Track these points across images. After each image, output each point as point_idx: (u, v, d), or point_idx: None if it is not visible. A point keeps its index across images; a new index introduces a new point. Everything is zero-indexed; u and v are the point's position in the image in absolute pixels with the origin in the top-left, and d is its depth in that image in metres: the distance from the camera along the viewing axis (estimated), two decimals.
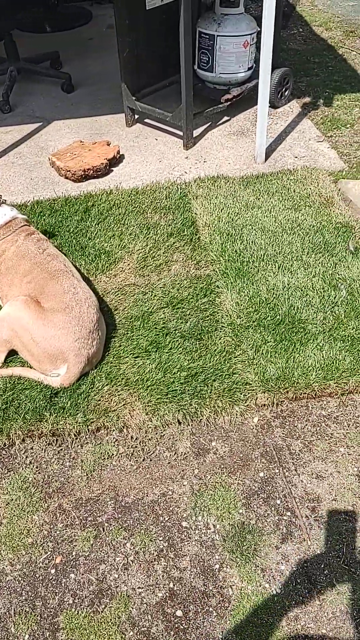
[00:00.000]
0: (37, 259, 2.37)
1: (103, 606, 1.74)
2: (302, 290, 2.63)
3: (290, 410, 2.25)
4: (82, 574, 1.82)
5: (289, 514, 1.94)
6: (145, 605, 1.74)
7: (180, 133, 3.76)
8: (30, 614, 1.73)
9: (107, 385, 2.27)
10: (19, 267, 2.37)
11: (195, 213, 3.13)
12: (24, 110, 4.23)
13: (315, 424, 2.20)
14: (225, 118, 4.03)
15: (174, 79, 4.02)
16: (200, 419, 2.21)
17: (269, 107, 3.46)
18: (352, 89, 4.33)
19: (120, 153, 3.65)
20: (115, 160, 3.58)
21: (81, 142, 3.70)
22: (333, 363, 2.30)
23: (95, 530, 1.92)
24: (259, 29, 3.59)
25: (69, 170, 3.42)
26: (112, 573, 1.82)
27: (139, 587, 1.78)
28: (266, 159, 3.58)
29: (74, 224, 3.08)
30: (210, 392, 2.25)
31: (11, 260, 2.39)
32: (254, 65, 3.96)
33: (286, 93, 4.13)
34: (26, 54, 4.50)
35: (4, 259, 2.41)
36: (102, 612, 1.73)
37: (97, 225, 3.06)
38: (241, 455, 2.12)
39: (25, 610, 1.74)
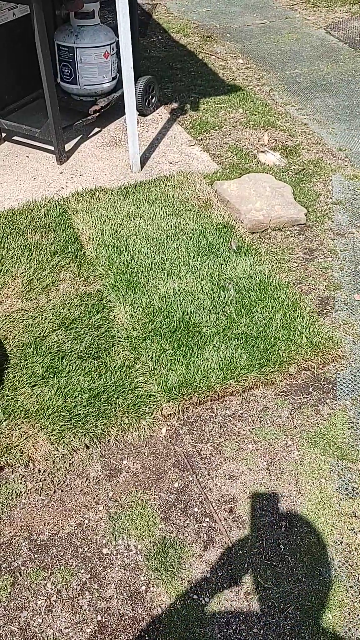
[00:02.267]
0: None
1: None
2: (192, 294, 2.66)
3: (196, 415, 2.26)
4: (2, 627, 1.70)
5: (207, 519, 1.95)
6: None
7: (52, 148, 3.67)
8: None
9: (5, 420, 2.15)
10: None
11: (77, 228, 3.06)
12: None
13: (222, 424, 2.22)
14: (97, 129, 4.00)
15: (38, 94, 3.92)
16: (109, 439, 2.16)
17: (138, 115, 3.48)
18: (215, 92, 4.47)
19: None
20: None
21: None
22: (231, 362, 2.35)
23: (11, 576, 1.81)
24: (117, 39, 3.59)
25: None
26: (35, 618, 1.72)
27: (65, 628, 1.70)
28: (142, 167, 3.59)
29: None
30: (115, 410, 2.20)
31: None
32: (118, 75, 3.96)
33: (153, 100, 4.17)
34: None
35: None
36: None
37: None
38: (154, 469, 2.09)
39: None
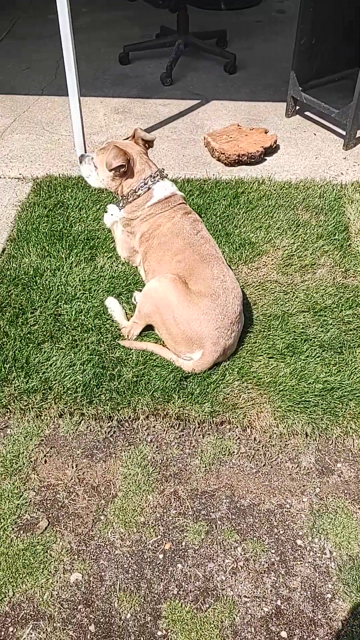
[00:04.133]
0: (191, 239, 2.33)
1: (207, 606, 1.70)
2: None
3: None
4: (190, 567, 1.78)
5: None
6: (249, 616, 1.68)
7: (343, 132, 3.58)
8: (135, 593, 1.72)
9: (237, 380, 2.21)
10: (172, 244, 2.34)
11: (348, 218, 2.97)
12: (185, 85, 4.20)
13: None
14: None
15: (344, 74, 3.83)
16: (329, 437, 2.10)
17: None
18: None
19: (277, 143, 3.53)
20: (271, 150, 3.47)
21: (238, 125, 3.62)
22: None
23: (207, 525, 1.88)
24: None
25: (223, 153, 3.36)
26: (219, 574, 1.77)
27: (245, 596, 1.72)
28: None
29: (221, 208, 3.02)
30: (344, 412, 2.12)
31: (165, 236, 2.37)
32: None
33: None
34: (194, 29, 4.46)
35: (157, 234, 2.39)
36: (205, 611, 1.69)
37: (244, 214, 2.99)
38: None
39: (130, 589, 1.73)
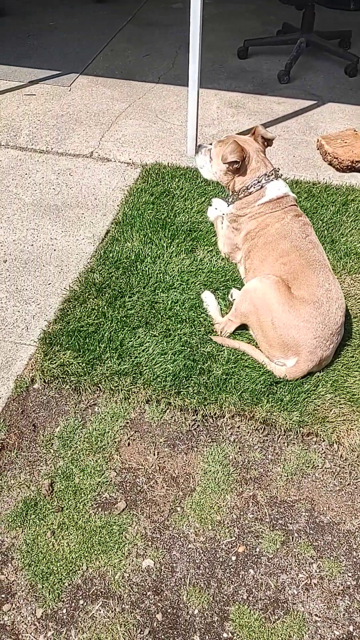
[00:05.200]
0: (298, 242, 2.28)
1: (276, 617, 1.67)
2: None
3: None
4: (262, 575, 1.75)
5: None
6: (319, 636, 1.63)
7: None
8: (204, 590, 1.72)
9: (330, 393, 2.14)
10: (278, 245, 2.30)
11: None
12: (302, 84, 4.11)
13: None
14: None
15: None
16: None
17: None
18: None
19: None
20: None
21: (355, 131, 3.50)
22: None
23: (284, 535, 1.84)
24: None
25: (336, 158, 3.26)
26: (291, 587, 1.73)
27: (316, 615, 1.68)
28: None
29: (329, 214, 2.93)
30: None
31: (272, 236, 2.33)
32: None
33: None
34: (318, 27, 4.35)
35: (264, 233, 2.36)
36: (274, 622, 1.65)
37: (353, 222, 2.89)
38: None
39: (200, 585, 1.73)
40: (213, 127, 3.64)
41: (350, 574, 1.76)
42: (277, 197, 2.38)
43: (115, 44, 4.58)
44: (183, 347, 2.28)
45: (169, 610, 1.68)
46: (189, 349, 2.28)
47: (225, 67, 4.29)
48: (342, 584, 1.74)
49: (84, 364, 2.20)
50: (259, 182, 2.38)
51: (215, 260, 2.67)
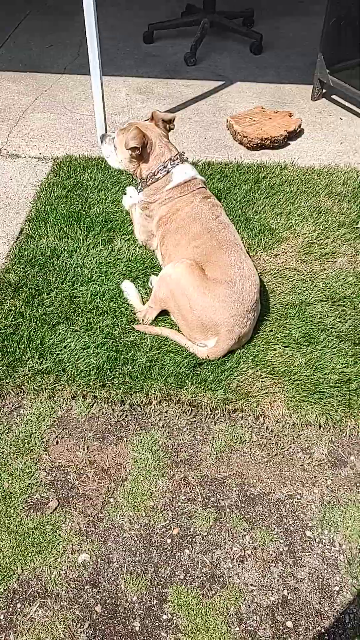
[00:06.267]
0: (209, 224, 2.30)
1: (213, 592, 1.70)
2: None
3: None
4: (197, 553, 1.79)
5: None
6: (255, 604, 1.69)
7: None
8: (142, 577, 1.73)
9: (252, 368, 2.19)
10: (190, 229, 2.32)
11: None
12: (209, 66, 4.13)
13: None
14: None
15: None
16: (344, 429, 2.07)
17: None
18: None
19: (301, 127, 3.46)
20: (295, 134, 3.40)
21: (262, 108, 3.55)
22: None
23: (216, 512, 1.87)
24: None
25: (246, 137, 3.30)
26: (226, 561, 1.77)
27: (251, 585, 1.72)
28: None
29: (242, 193, 2.97)
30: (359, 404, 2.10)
31: (183, 220, 2.34)
32: None
33: None
34: (221, 7, 4.36)
35: (175, 218, 2.37)
36: (211, 597, 1.69)
37: (265, 199, 2.94)
38: None
39: (137, 572, 1.74)
40: (123, 114, 3.61)
41: (282, 541, 1.81)
42: (185, 180, 2.39)
43: (17, 35, 4.45)
44: (106, 339, 2.27)
45: (107, 601, 1.69)
46: (111, 341, 2.27)
47: (132, 53, 4.25)
48: (274, 552, 1.79)
49: (4, 367, 2.16)
50: (164, 167, 2.38)
51: (134, 249, 2.66)
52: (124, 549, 1.79)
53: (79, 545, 1.79)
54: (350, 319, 2.36)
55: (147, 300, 2.38)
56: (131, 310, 2.39)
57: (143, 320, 2.35)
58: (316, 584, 1.73)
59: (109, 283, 2.49)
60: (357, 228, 2.77)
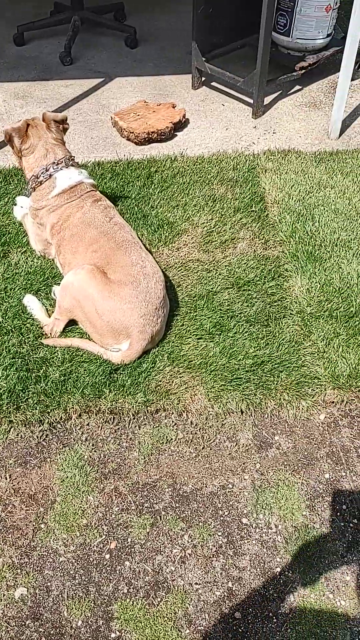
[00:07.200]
0: (104, 227, 2.25)
1: (159, 599, 1.68)
2: None
3: None
4: (138, 563, 1.75)
5: (355, 521, 1.84)
6: (202, 603, 1.68)
7: (250, 100, 3.56)
8: (84, 599, 1.68)
9: (168, 366, 2.17)
10: (85, 234, 2.25)
11: (263, 188, 2.96)
12: (86, 64, 4.04)
13: None
14: (297, 87, 3.80)
15: (246, 41, 3.80)
16: (264, 411, 2.11)
17: None
18: None
19: (186, 117, 3.46)
20: (181, 125, 3.40)
21: (145, 102, 3.52)
22: None
23: (152, 517, 1.84)
24: None
25: (132, 132, 3.26)
26: (168, 565, 1.75)
27: (196, 583, 1.71)
28: (340, 134, 3.37)
29: (136, 190, 2.93)
30: (276, 384, 2.13)
31: (76, 226, 2.27)
32: (333, 32, 3.70)
33: None
34: (89, 3, 4.28)
35: (68, 225, 2.29)
36: (157, 605, 1.66)
37: (160, 193, 2.92)
38: (305, 453, 2.01)
39: (79, 595, 1.68)
40: (2, 121, 3.45)
41: (220, 534, 1.81)
42: (70, 186, 2.32)
43: None
44: (14, 360, 2.17)
45: (52, 632, 1.62)
46: (20, 360, 2.17)
47: (4, 57, 4.08)
48: (214, 546, 1.79)
49: None
50: (46, 170, 2.31)
51: (32, 261, 2.56)
52: (62, 574, 1.72)
53: (13, 580, 1.70)
54: (256, 301, 2.40)
55: (53, 312, 2.30)
56: (37, 325, 2.29)
57: (51, 333, 2.26)
58: (258, 569, 1.74)
59: (9, 300, 2.38)
60: (252, 211, 2.82)
